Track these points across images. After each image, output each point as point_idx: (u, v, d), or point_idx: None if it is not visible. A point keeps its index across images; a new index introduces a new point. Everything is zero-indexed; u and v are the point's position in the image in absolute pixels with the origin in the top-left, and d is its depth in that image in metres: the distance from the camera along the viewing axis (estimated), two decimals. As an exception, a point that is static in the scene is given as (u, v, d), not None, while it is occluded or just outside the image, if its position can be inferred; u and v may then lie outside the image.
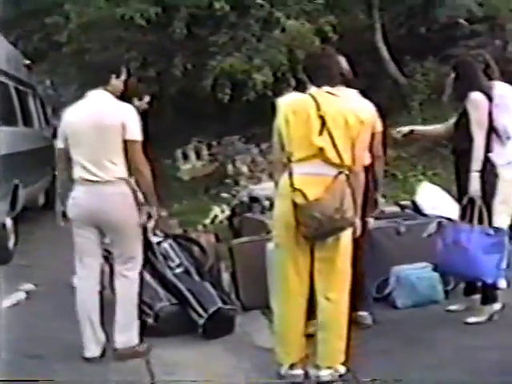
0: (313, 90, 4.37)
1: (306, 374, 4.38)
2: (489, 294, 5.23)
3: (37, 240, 9.46)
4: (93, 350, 4.94)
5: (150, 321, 5.32)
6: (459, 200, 5.25)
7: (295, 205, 4.16)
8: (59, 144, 5.07)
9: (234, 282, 6.01)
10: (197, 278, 5.58)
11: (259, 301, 5.56)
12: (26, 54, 12.71)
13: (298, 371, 4.36)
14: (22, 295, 6.69)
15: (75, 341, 5.02)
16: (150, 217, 4.95)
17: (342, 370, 4.34)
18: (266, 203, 7.15)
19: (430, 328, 5.16)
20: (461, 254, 5.00)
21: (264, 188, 9.04)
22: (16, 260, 8.38)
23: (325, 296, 4.31)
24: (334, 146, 4.17)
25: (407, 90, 12.94)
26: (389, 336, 5.01)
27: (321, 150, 4.17)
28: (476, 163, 5.08)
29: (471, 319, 5.16)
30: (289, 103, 4.40)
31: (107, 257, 5.99)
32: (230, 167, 13.21)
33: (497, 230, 5.09)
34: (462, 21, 12.63)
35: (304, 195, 4.14)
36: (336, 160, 4.18)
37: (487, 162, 5.12)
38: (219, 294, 5.44)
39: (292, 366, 4.36)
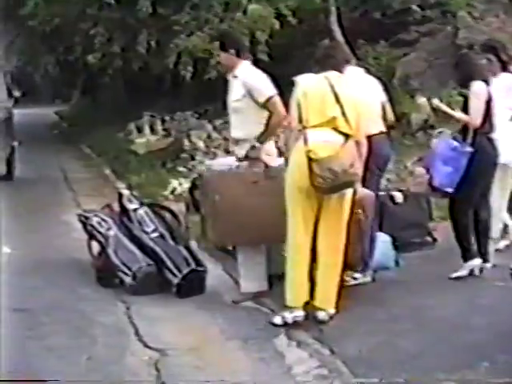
0: (324, 73, 5.09)
1: (307, 316, 5.00)
2: (467, 252, 5.77)
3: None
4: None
5: (129, 280, 5.77)
6: None
7: (309, 164, 4.75)
8: None
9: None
10: (171, 242, 6.05)
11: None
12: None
13: (300, 312, 4.98)
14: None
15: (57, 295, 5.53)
16: None
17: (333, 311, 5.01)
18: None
19: (381, 289, 5.65)
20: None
21: (221, 163, 9.42)
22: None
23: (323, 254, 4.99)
24: (344, 116, 4.91)
25: (359, 72, 13.39)
26: (345, 296, 5.42)
27: (333, 118, 4.89)
28: None
29: (454, 274, 5.73)
30: (307, 81, 5.10)
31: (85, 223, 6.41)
32: (186, 142, 13.49)
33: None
34: (414, 6, 13.10)
35: (316, 155, 4.77)
36: (345, 129, 4.91)
37: None
38: (192, 256, 5.89)
39: (293, 309, 4.96)
